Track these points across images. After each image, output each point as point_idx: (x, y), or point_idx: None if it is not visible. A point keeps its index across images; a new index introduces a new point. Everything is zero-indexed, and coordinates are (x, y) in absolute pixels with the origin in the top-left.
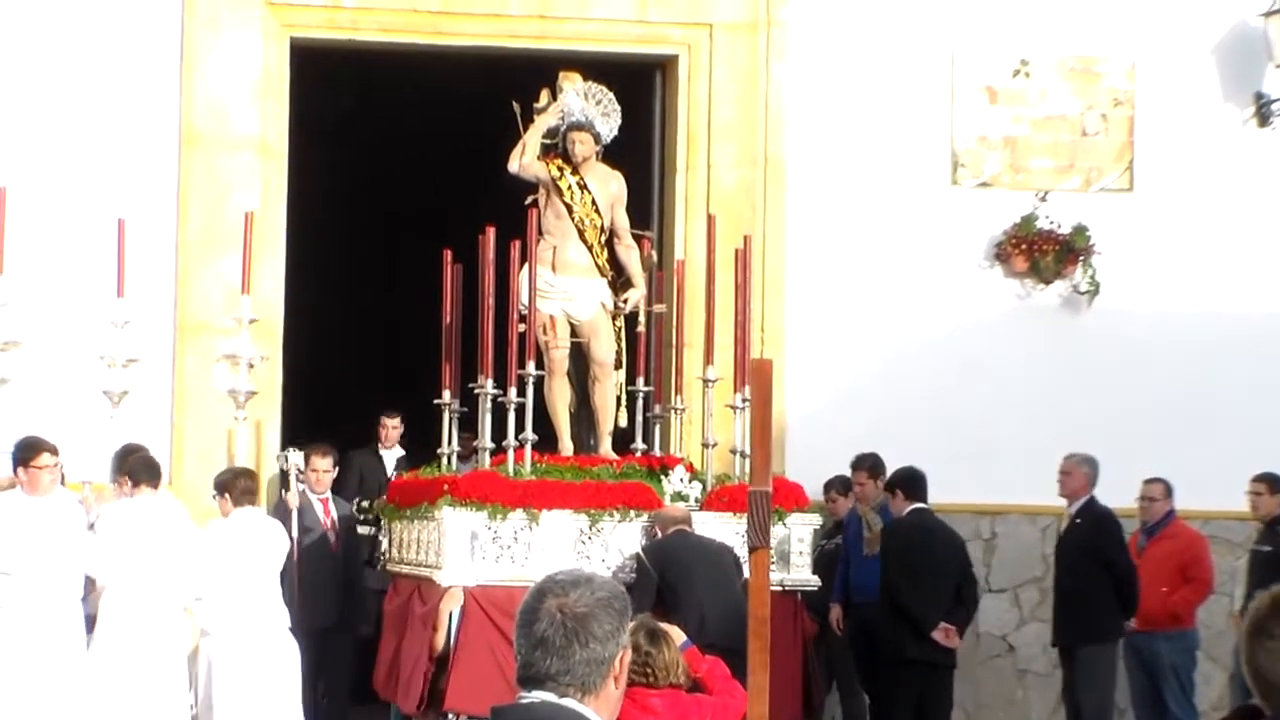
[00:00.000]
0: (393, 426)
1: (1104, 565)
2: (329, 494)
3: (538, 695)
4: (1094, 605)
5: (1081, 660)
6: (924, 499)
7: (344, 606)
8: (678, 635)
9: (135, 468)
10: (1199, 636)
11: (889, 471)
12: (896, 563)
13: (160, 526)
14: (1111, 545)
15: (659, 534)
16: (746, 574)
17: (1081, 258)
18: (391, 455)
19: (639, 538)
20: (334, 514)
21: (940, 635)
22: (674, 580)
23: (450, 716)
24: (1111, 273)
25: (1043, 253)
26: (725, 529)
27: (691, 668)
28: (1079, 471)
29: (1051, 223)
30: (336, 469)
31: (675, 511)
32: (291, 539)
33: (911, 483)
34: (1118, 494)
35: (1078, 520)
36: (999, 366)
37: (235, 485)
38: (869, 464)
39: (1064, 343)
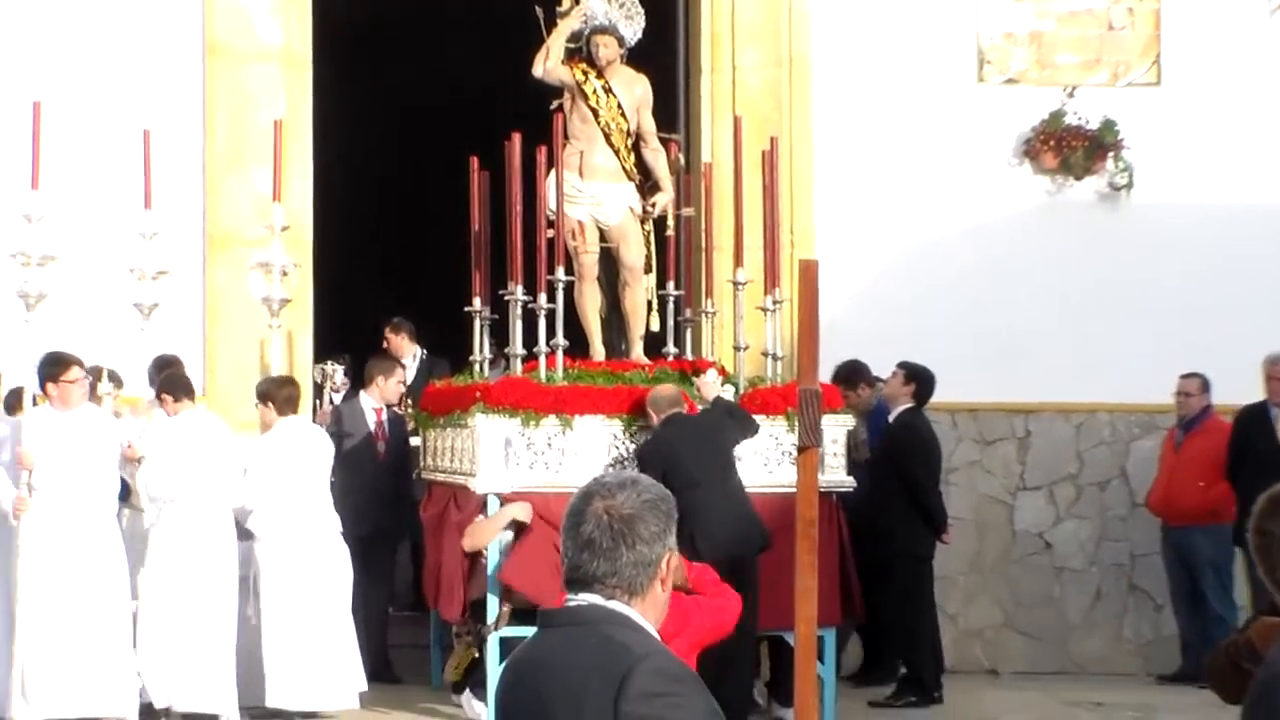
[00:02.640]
0: (391, 336)
1: None
2: (384, 406)
3: (585, 598)
4: None
5: None
6: (925, 402)
7: (388, 515)
8: None
9: (173, 384)
10: None
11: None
12: (921, 461)
13: (206, 440)
14: None
15: (654, 418)
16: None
17: (1111, 153)
18: (408, 364)
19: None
20: (385, 423)
21: (948, 535)
22: (678, 489)
23: (489, 623)
24: (1140, 167)
25: (1071, 149)
26: (760, 432)
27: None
28: None
29: (1079, 118)
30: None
31: (667, 391)
32: None
33: (924, 382)
34: (1154, 390)
35: None
36: (1029, 264)
37: (278, 394)
38: (844, 376)
39: (1093, 239)
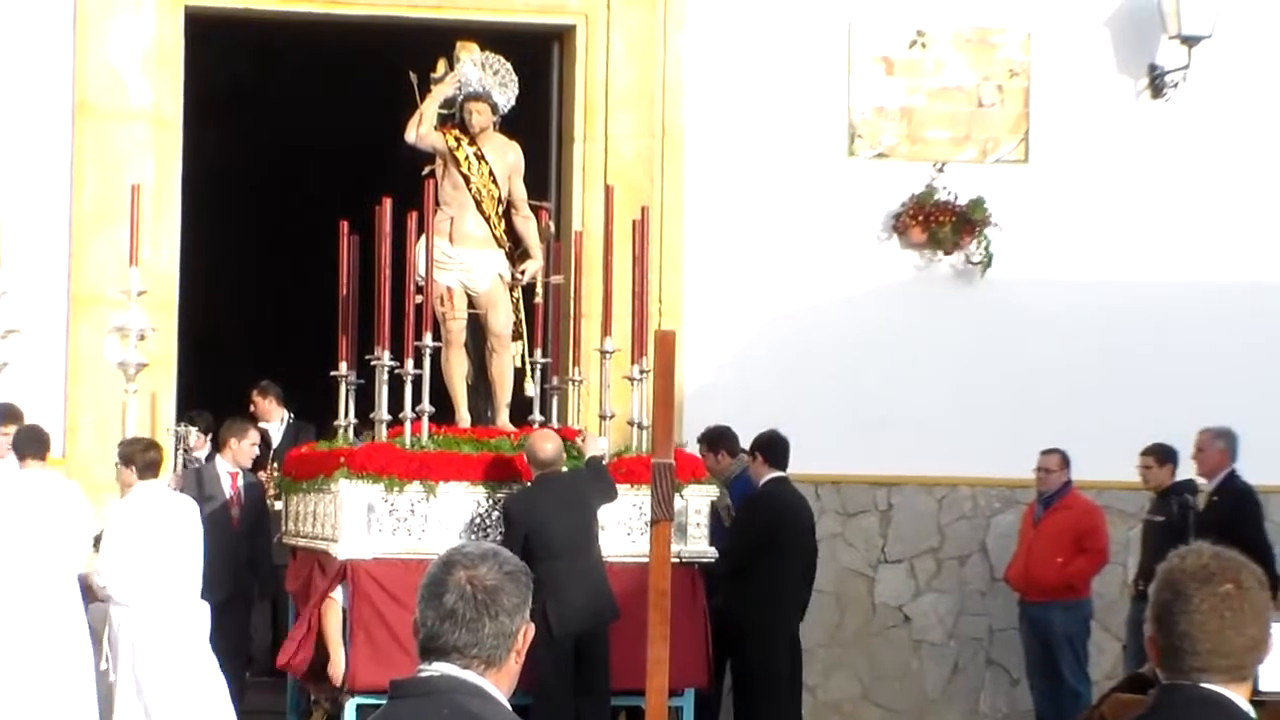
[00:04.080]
0: (258, 401)
1: (1244, 547)
2: (239, 469)
3: (438, 668)
4: None
5: None
6: (785, 466)
7: (242, 580)
8: None
9: (19, 441)
10: (1093, 606)
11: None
12: (762, 536)
13: (48, 501)
14: (1248, 525)
15: (528, 462)
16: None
17: (978, 229)
18: (274, 428)
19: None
20: (241, 487)
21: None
22: (538, 558)
23: (344, 689)
24: (1008, 244)
25: (940, 224)
26: (624, 502)
27: None
28: (1213, 447)
29: (949, 194)
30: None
31: (543, 452)
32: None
33: (774, 448)
34: (1014, 464)
35: (1215, 498)
36: (896, 338)
37: (141, 458)
38: (708, 439)
39: (961, 314)
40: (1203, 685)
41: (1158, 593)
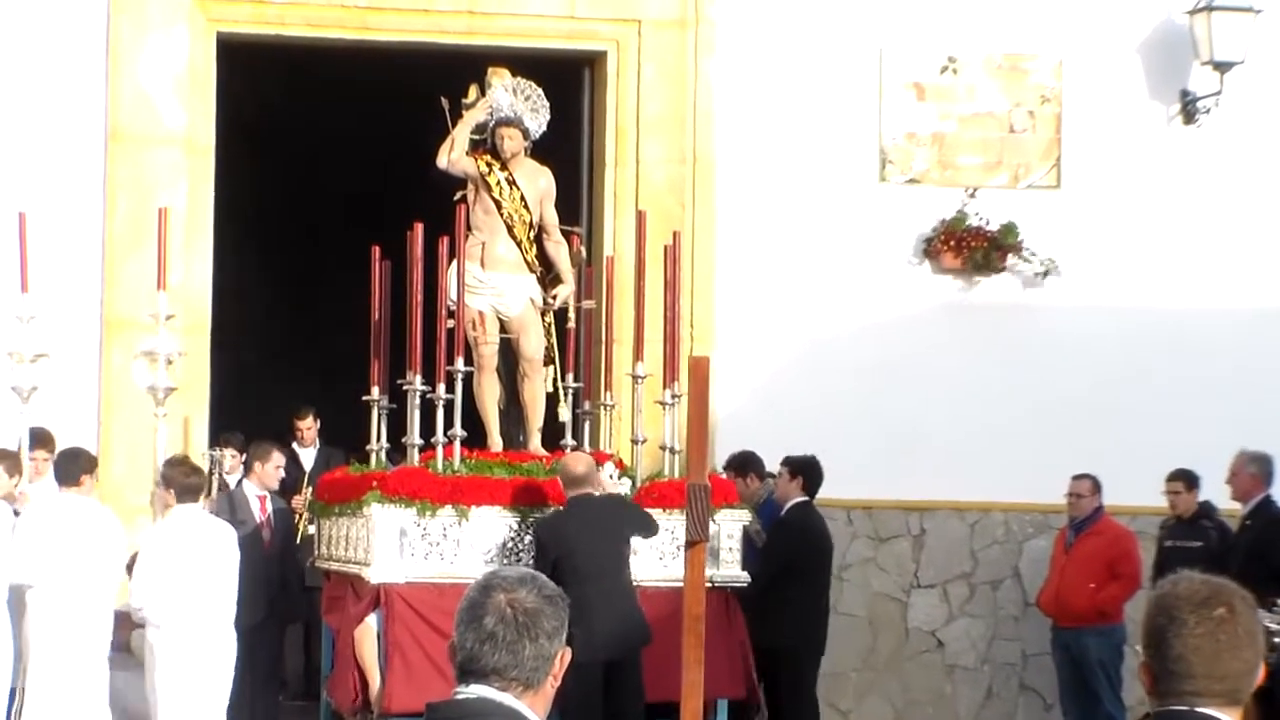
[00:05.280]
0: (305, 427)
1: (1272, 573)
2: (268, 492)
3: (475, 690)
4: None
5: None
6: (815, 493)
7: (274, 603)
8: None
9: (57, 465)
10: (1126, 631)
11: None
12: (787, 560)
13: (84, 527)
14: (1278, 553)
15: (561, 485)
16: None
17: (1010, 254)
18: (308, 452)
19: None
20: (270, 510)
21: None
22: (566, 582)
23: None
24: (1040, 269)
25: (971, 249)
26: None
27: None
28: (1245, 472)
29: (980, 219)
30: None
31: (576, 468)
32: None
33: (812, 472)
34: (1047, 489)
35: (1248, 522)
36: (927, 363)
37: (180, 481)
38: (736, 464)
39: (991, 339)
40: (1198, 709)
41: (1151, 618)
